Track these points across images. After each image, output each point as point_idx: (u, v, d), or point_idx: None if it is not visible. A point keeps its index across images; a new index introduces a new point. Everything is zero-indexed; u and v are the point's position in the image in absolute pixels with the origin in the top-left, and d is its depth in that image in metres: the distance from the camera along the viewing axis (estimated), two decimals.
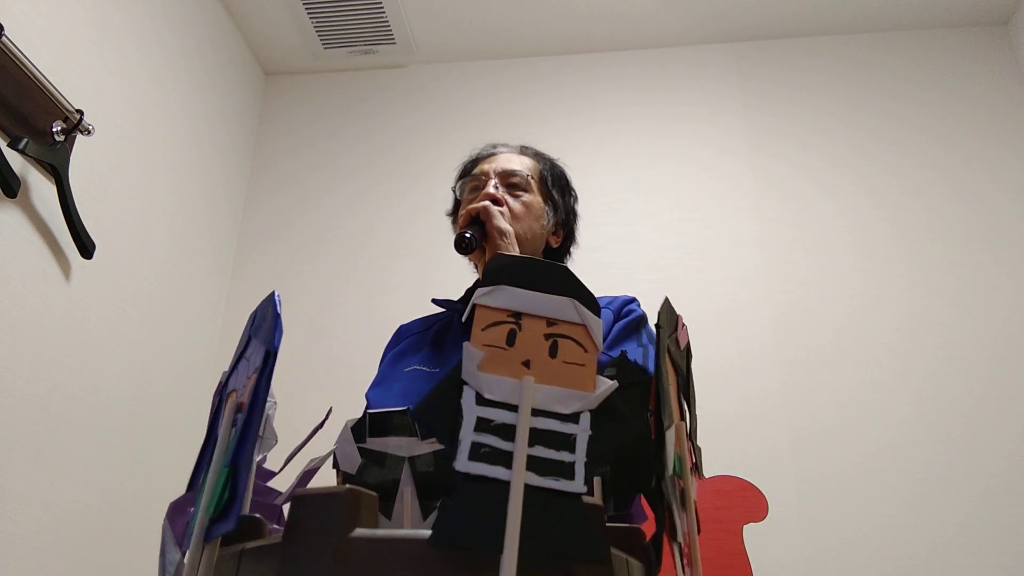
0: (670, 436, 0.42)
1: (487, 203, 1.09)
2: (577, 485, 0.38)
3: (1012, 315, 1.96)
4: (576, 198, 1.30)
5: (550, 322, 0.44)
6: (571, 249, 1.30)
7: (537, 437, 0.40)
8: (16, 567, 1.37)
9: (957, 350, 1.94)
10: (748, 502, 1.83)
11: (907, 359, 1.94)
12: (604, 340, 1.06)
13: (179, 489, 1.91)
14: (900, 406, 1.89)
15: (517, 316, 0.44)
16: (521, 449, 0.39)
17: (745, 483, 1.85)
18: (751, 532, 1.80)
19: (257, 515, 0.44)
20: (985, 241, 2.05)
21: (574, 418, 0.41)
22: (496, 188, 1.15)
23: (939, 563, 1.73)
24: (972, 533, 1.75)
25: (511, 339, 0.43)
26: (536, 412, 0.40)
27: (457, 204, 1.28)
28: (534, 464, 0.39)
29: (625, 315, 1.12)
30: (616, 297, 1.16)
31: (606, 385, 0.41)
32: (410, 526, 0.50)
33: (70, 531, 1.51)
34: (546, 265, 0.45)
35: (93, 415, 1.60)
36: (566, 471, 0.39)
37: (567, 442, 0.40)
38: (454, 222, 1.29)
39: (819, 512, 1.81)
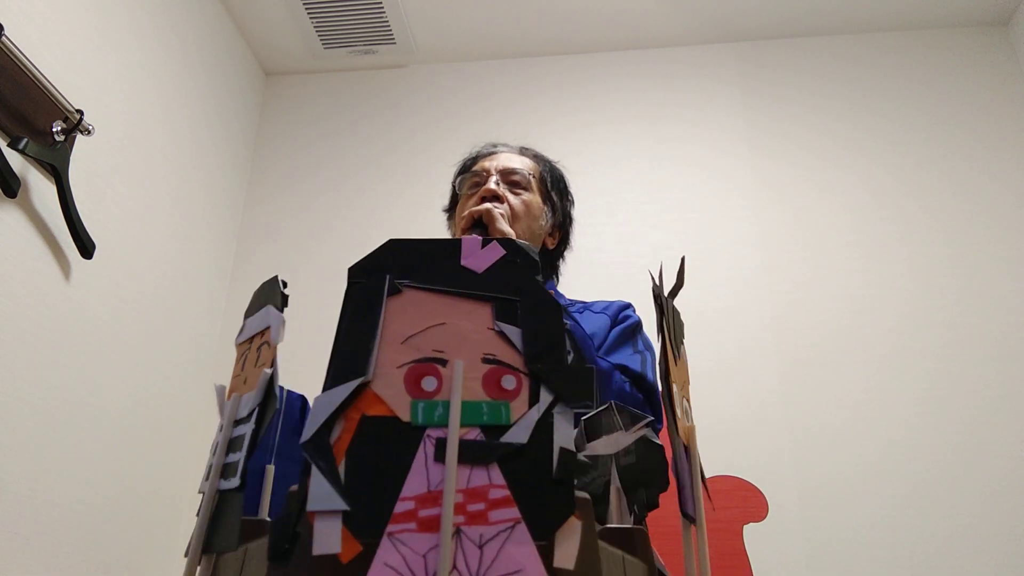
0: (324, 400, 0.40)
1: (489, 206, 1.09)
2: (234, 482, 0.41)
3: (1012, 314, 1.96)
4: (573, 203, 1.30)
5: (262, 333, 0.47)
6: (565, 253, 1.30)
7: (233, 445, 0.44)
8: (16, 567, 1.37)
9: (958, 350, 1.94)
10: (748, 502, 1.83)
11: (908, 359, 1.94)
12: (601, 346, 1.06)
13: (178, 488, 1.92)
14: (901, 406, 1.89)
15: (251, 340, 0.48)
16: (218, 460, 0.44)
17: (745, 483, 1.85)
18: (751, 532, 1.80)
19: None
20: (985, 240, 2.05)
21: (248, 417, 0.44)
22: (497, 184, 1.16)
23: (940, 564, 1.73)
24: (974, 534, 1.75)
25: (244, 363, 0.48)
26: (236, 422, 0.45)
27: (454, 200, 1.28)
28: (225, 470, 0.43)
29: (621, 320, 1.12)
30: (612, 302, 1.17)
31: (261, 374, 0.44)
32: (618, 522, 0.51)
33: (70, 531, 1.51)
34: (266, 284, 0.49)
35: (93, 414, 1.60)
36: (233, 470, 0.42)
37: (240, 442, 0.43)
38: (450, 217, 1.30)
39: (819, 512, 1.81)
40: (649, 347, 1.11)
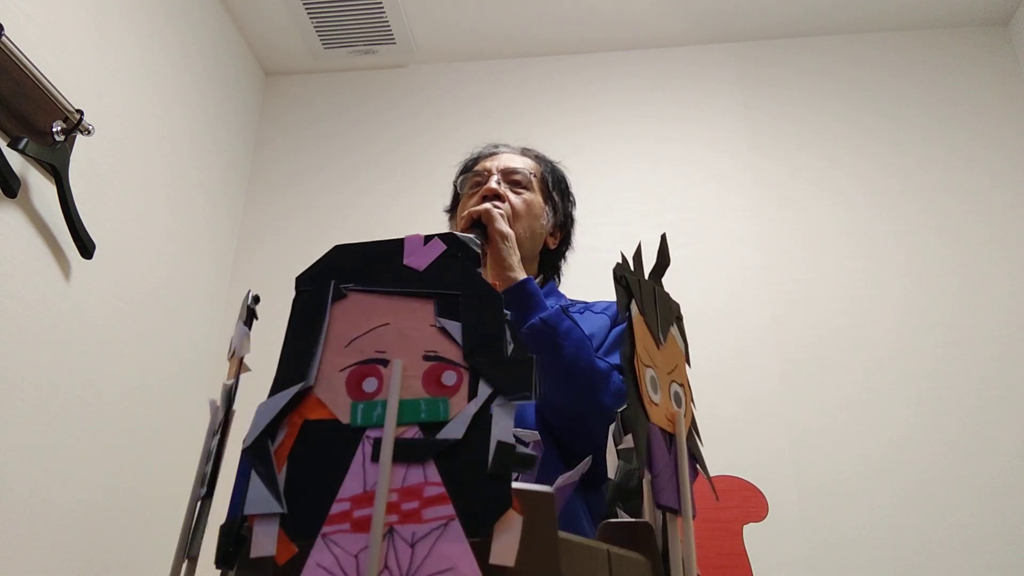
0: None
1: (488, 206, 1.09)
2: (202, 491, 0.46)
3: (1012, 314, 1.96)
4: (574, 203, 1.30)
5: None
6: (566, 253, 1.30)
7: (211, 455, 0.48)
8: (16, 566, 1.37)
9: (958, 349, 1.94)
10: (748, 502, 1.83)
11: (908, 358, 1.94)
12: (600, 345, 1.06)
13: (178, 489, 1.91)
14: (901, 405, 1.89)
15: (234, 354, 0.53)
16: (199, 470, 0.47)
17: (745, 483, 1.85)
18: (751, 532, 1.80)
19: None
20: (985, 240, 2.05)
21: (219, 429, 0.47)
22: (498, 183, 1.16)
23: (940, 563, 1.73)
24: (973, 533, 1.75)
25: None
26: (215, 433, 0.48)
27: (456, 200, 1.28)
28: (204, 479, 0.47)
29: (623, 321, 1.12)
30: (613, 302, 1.17)
31: (223, 387, 0.47)
32: (651, 517, 0.51)
33: (70, 531, 1.51)
34: (244, 299, 0.52)
35: (93, 415, 1.60)
36: (204, 480, 0.46)
37: (209, 455, 0.47)
38: (451, 218, 1.30)
39: (819, 512, 1.81)
40: None
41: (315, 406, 0.39)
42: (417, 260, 0.43)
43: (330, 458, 0.37)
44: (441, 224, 1.33)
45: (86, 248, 1.56)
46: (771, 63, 2.37)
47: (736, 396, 1.94)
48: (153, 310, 1.85)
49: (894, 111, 2.25)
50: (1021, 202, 2.08)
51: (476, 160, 1.27)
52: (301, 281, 0.43)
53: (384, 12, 2.29)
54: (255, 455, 0.38)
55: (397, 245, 0.44)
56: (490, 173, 1.19)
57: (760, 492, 1.83)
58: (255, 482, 0.37)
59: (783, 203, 2.18)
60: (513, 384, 0.38)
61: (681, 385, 0.50)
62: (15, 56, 1.39)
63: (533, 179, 1.20)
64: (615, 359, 1.04)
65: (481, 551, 0.34)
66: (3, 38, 1.35)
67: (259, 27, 2.39)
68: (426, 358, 0.40)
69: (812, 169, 2.21)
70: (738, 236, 2.14)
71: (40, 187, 1.49)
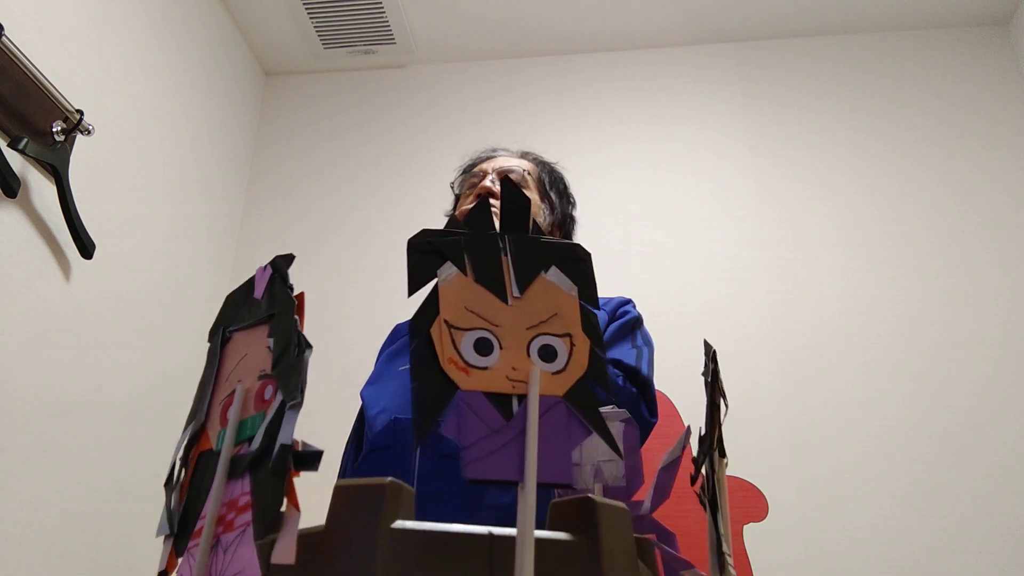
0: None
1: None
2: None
3: (1005, 314, 1.96)
4: (574, 204, 1.30)
5: None
6: None
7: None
8: (15, 566, 1.37)
9: (951, 348, 1.94)
10: (748, 502, 1.83)
11: (903, 357, 1.94)
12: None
13: None
14: (896, 404, 1.90)
15: None
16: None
17: (745, 483, 1.85)
18: (751, 532, 1.80)
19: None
20: (984, 241, 2.05)
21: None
22: (494, 183, 1.17)
23: (937, 560, 1.73)
24: (969, 529, 1.75)
25: None
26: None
27: (456, 202, 1.29)
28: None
29: (620, 316, 1.13)
30: (612, 298, 1.17)
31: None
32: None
33: (70, 531, 1.51)
34: None
35: (93, 415, 1.61)
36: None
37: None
38: None
39: (819, 511, 1.81)
40: (648, 342, 1.12)
41: (206, 439, 0.45)
42: (259, 289, 0.48)
43: (206, 482, 0.42)
44: (441, 225, 1.33)
45: (86, 248, 1.56)
46: (771, 63, 2.37)
47: (735, 395, 1.94)
48: (153, 310, 1.85)
49: (893, 111, 2.25)
50: (1020, 202, 2.08)
51: (474, 163, 1.28)
52: (210, 335, 0.49)
53: (384, 12, 2.29)
54: (167, 487, 0.45)
55: (252, 280, 0.49)
56: (486, 173, 1.20)
57: (760, 492, 1.83)
58: (164, 510, 0.43)
59: (782, 203, 2.18)
60: (289, 386, 0.40)
61: (564, 336, 0.44)
62: (15, 56, 1.39)
63: (529, 178, 1.21)
64: (612, 353, 1.05)
65: (265, 552, 0.36)
66: (3, 38, 1.35)
67: (259, 27, 2.39)
68: (260, 377, 0.43)
69: (811, 169, 2.21)
70: (737, 236, 2.15)
71: (40, 187, 1.49)
